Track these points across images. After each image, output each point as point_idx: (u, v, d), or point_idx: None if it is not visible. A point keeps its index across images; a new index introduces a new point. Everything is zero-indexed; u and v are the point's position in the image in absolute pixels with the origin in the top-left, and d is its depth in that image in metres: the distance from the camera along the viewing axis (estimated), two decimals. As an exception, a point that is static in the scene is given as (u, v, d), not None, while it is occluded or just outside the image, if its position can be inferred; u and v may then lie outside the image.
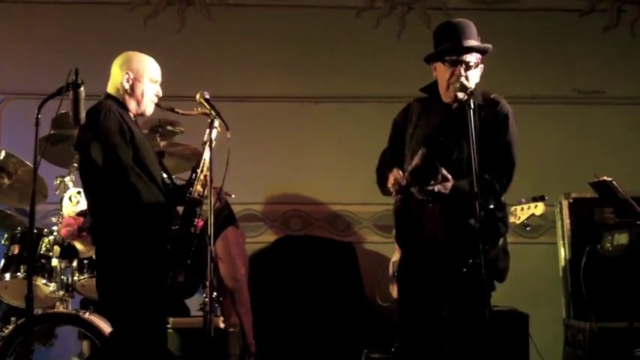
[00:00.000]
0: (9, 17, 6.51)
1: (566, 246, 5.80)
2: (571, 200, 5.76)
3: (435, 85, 4.13)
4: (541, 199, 4.80)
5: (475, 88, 3.95)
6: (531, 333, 5.58)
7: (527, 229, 4.92)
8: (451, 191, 3.84)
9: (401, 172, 3.96)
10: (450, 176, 3.83)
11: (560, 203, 5.85)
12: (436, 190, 3.83)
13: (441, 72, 4.04)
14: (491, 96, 4.06)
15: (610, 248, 5.37)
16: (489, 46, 4.05)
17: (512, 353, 5.43)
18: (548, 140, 6.53)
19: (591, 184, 5.22)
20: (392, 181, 3.98)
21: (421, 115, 4.13)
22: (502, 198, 4.00)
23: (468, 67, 3.98)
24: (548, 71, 6.66)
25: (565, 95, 6.67)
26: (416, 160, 3.90)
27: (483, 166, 3.73)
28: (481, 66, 4.05)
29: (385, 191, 4.10)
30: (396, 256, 5.54)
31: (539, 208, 4.81)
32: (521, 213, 4.82)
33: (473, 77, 3.99)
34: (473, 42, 4.01)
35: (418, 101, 4.18)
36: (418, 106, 4.16)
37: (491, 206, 3.89)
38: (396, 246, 5.43)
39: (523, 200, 4.85)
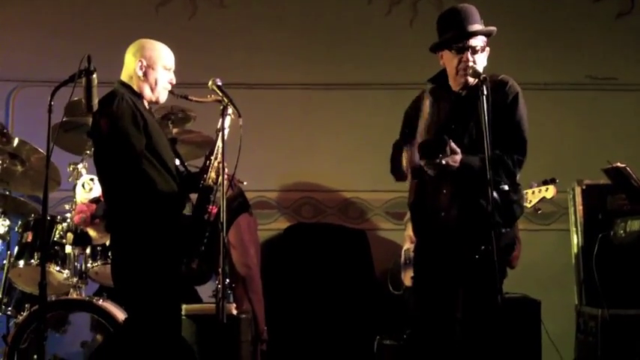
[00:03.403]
0: (21, 5, 6.52)
1: (579, 233, 5.77)
2: (584, 187, 5.73)
3: (442, 74, 4.13)
4: (552, 181, 4.80)
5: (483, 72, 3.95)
6: (543, 320, 5.58)
7: (539, 212, 4.91)
8: (460, 165, 3.85)
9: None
10: (458, 149, 3.84)
11: (573, 190, 5.82)
12: (444, 162, 3.84)
13: (448, 60, 4.04)
14: (499, 77, 4.05)
15: (623, 235, 5.34)
16: (494, 28, 4.04)
17: (524, 340, 5.43)
18: (560, 127, 6.51)
19: (604, 171, 5.20)
20: (405, 161, 3.98)
21: (432, 105, 4.12)
22: (517, 178, 3.99)
23: (474, 52, 3.98)
24: (561, 58, 6.63)
25: (578, 82, 6.63)
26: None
27: (495, 146, 3.73)
28: (487, 49, 4.04)
29: (400, 177, 4.11)
30: (407, 244, 5.54)
31: (550, 191, 4.81)
32: (533, 196, 4.82)
33: (481, 61, 3.99)
34: (477, 26, 4.01)
35: (428, 91, 4.17)
36: (429, 96, 4.15)
37: (506, 187, 3.89)
38: (408, 233, 5.45)
39: (534, 184, 4.84)
